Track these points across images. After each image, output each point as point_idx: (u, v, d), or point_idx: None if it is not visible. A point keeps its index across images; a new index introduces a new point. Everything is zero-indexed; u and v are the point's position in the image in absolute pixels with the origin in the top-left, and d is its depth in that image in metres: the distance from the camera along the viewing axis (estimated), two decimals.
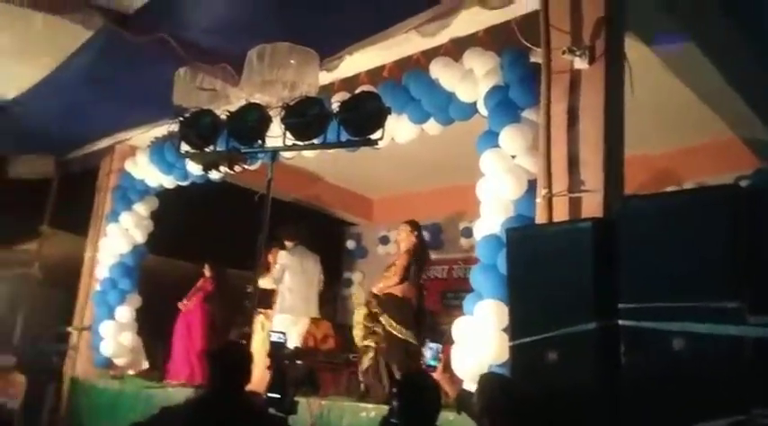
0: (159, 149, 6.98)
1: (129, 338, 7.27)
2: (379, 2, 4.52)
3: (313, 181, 8.43)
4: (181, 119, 4.31)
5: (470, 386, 3.53)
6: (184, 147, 4.35)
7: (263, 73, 4.35)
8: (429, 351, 3.37)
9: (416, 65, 5.04)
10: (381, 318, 5.29)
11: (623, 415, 2.73)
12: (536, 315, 3.18)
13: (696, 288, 2.67)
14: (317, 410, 4.72)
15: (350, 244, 9.88)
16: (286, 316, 6.28)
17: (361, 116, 3.80)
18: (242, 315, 6.33)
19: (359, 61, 5.15)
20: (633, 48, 4.08)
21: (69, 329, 7.50)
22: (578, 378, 2.91)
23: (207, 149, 4.24)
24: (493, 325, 3.91)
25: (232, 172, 4.43)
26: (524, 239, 3.49)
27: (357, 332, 5.50)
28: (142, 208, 7.56)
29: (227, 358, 3.20)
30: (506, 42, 4.40)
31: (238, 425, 2.93)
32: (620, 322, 2.84)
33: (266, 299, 6.32)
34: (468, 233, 7.86)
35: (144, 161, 7.23)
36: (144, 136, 7.25)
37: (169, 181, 7.24)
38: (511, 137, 4.23)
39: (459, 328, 4.17)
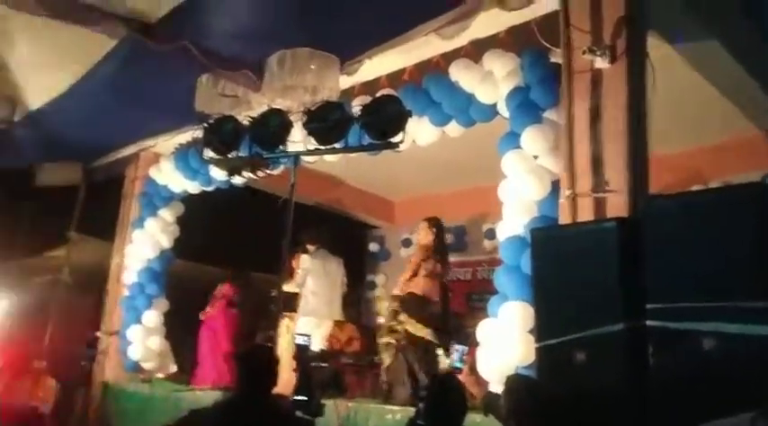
0: (183, 155, 7.06)
1: (156, 342, 7.35)
2: (399, 5, 4.52)
3: (335, 185, 8.45)
4: (204, 125, 4.36)
5: (496, 387, 3.52)
6: (208, 153, 4.41)
7: (283, 78, 4.39)
8: (455, 353, 3.38)
9: (436, 67, 5.04)
10: (401, 316, 5.34)
11: (651, 416, 2.71)
12: (562, 316, 3.16)
13: (724, 287, 2.65)
14: (344, 412, 4.74)
15: (373, 247, 9.89)
16: (309, 319, 6.33)
17: (382, 119, 3.81)
18: (267, 319, 6.38)
19: (379, 65, 5.16)
20: (655, 47, 4.04)
21: (98, 334, 7.62)
22: (606, 379, 2.90)
23: (230, 155, 4.28)
24: (518, 327, 3.90)
25: (255, 177, 4.49)
26: (548, 240, 3.48)
27: (381, 332, 5.56)
28: (167, 214, 7.64)
29: (254, 361, 3.23)
30: (526, 43, 4.39)
31: None
32: (648, 322, 2.82)
33: (291, 303, 6.38)
34: (491, 234, 7.83)
35: (168, 167, 7.31)
36: (168, 143, 7.35)
37: (193, 187, 7.31)
38: (533, 138, 4.22)
39: (485, 330, 4.16)
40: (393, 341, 5.38)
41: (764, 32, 4.90)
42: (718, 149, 6.24)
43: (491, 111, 4.71)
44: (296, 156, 4.16)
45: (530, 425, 2.71)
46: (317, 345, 5.67)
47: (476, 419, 3.31)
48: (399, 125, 3.76)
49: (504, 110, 4.54)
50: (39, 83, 6.13)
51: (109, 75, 5.67)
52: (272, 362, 3.23)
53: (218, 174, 6.53)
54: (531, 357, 3.59)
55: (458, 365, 3.33)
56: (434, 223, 5.68)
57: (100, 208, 8.20)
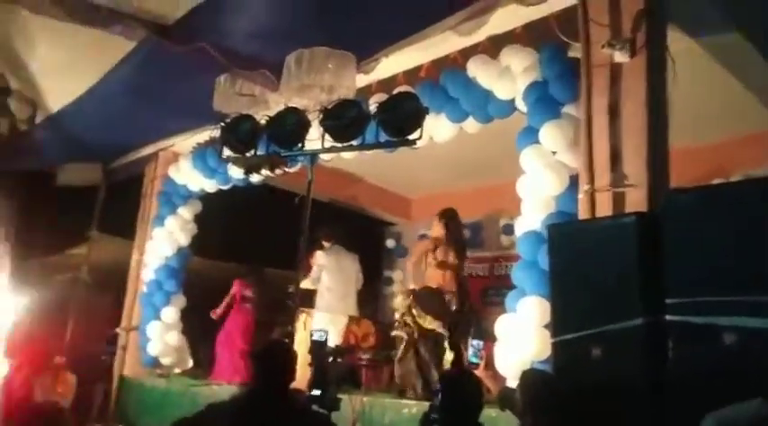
0: (201, 155, 7.11)
1: (174, 338, 7.44)
2: (416, 3, 4.52)
3: (352, 183, 8.48)
4: (222, 124, 4.39)
5: (513, 382, 3.51)
6: (226, 152, 4.43)
7: (301, 77, 4.40)
8: (471, 349, 3.37)
9: (453, 64, 5.02)
10: (414, 310, 5.36)
11: (669, 412, 2.68)
12: (579, 311, 3.14)
13: (744, 281, 2.62)
14: (359, 406, 4.75)
15: (389, 244, 9.91)
16: (324, 315, 6.36)
17: (399, 117, 3.80)
18: (283, 315, 6.42)
19: (396, 62, 5.16)
20: (676, 40, 4.00)
21: (118, 330, 7.71)
22: (623, 374, 2.87)
23: (248, 153, 4.30)
24: (535, 322, 3.88)
25: (273, 175, 4.50)
26: (566, 235, 3.45)
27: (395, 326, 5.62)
28: (186, 212, 7.72)
29: (272, 356, 3.24)
30: (544, 38, 4.35)
31: (282, 422, 2.96)
32: (668, 317, 2.79)
33: (308, 299, 6.41)
34: (508, 230, 7.82)
35: (187, 166, 7.38)
36: (186, 142, 7.41)
37: (211, 186, 7.37)
38: (551, 133, 4.19)
39: (502, 325, 4.15)
40: (404, 335, 5.42)
41: None
42: (739, 142, 6.15)
43: (509, 107, 4.68)
44: (313, 154, 4.17)
45: (546, 420, 2.69)
46: (334, 341, 5.68)
47: (491, 414, 3.29)
48: (416, 122, 3.75)
49: (522, 105, 4.51)
50: (59, 85, 6.20)
51: (128, 77, 5.73)
52: (289, 358, 3.23)
53: (236, 173, 6.58)
54: (547, 352, 3.58)
55: (474, 360, 3.32)
56: (444, 214, 5.71)
57: (119, 208, 8.32)
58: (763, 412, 1.94)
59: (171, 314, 7.44)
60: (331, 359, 3.54)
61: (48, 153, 7.69)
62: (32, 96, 6.49)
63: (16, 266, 7.35)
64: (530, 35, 4.55)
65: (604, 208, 3.65)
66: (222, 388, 6.21)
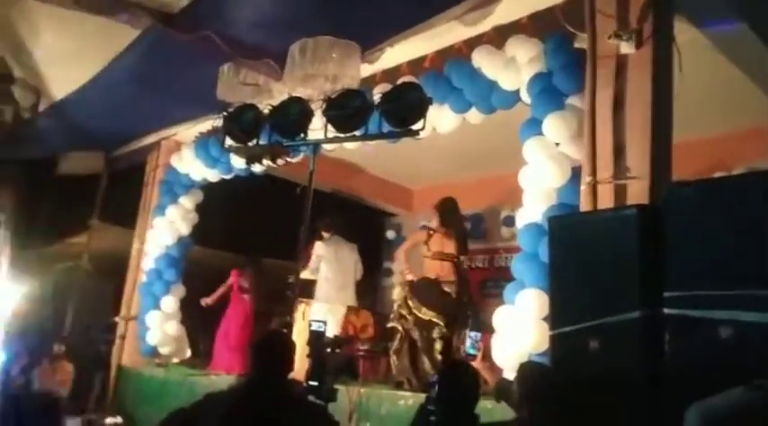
0: (204, 144, 7.10)
1: (173, 327, 7.43)
2: None
3: (354, 173, 8.46)
4: (225, 114, 4.37)
5: (510, 374, 3.50)
6: (228, 142, 4.42)
7: (305, 67, 4.38)
8: (468, 340, 3.36)
9: (458, 54, 4.97)
10: (410, 301, 5.38)
11: (666, 404, 2.67)
12: (578, 303, 3.12)
13: (742, 275, 2.60)
14: (357, 397, 4.76)
15: (390, 235, 9.88)
16: (323, 305, 6.37)
17: (403, 107, 3.78)
18: (283, 305, 6.42)
19: (400, 52, 5.13)
20: (683, 31, 3.96)
21: (117, 319, 7.72)
22: (620, 367, 2.86)
23: (250, 143, 4.29)
24: (534, 314, 3.86)
25: (275, 165, 4.49)
26: (567, 227, 3.43)
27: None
28: (187, 202, 7.71)
29: (270, 347, 3.22)
30: (550, 28, 4.31)
31: (279, 412, 2.95)
32: (666, 310, 2.78)
33: (308, 289, 6.41)
34: (509, 222, 7.79)
35: (189, 155, 7.36)
36: (189, 131, 7.40)
37: (213, 175, 7.35)
38: (554, 125, 4.16)
39: (500, 317, 4.14)
40: (399, 326, 5.43)
41: None
42: (743, 136, 6.09)
43: (513, 98, 4.65)
44: (315, 144, 4.15)
45: (542, 412, 2.67)
46: (332, 331, 5.69)
47: (488, 405, 3.28)
48: (420, 112, 3.73)
49: (526, 96, 4.48)
50: (63, 73, 6.20)
51: (132, 65, 5.72)
52: (287, 348, 3.22)
53: (238, 162, 6.57)
54: (545, 344, 3.56)
55: (471, 351, 3.31)
56: (439, 205, 5.73)
57: (121, 196, 8.33)
58: (744, 400, 1.97)
59: (170, 303, 7.44)
60: (329, 349, 3.53)
61: (50, 141, 7.70)
62: (36, 84, 6.49)
63: (16, 254, 7.36)
64: (535, 25, 4.51)
65: (606, 201, 3.62)
66: (220, 378, 6.22)
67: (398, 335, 5.43)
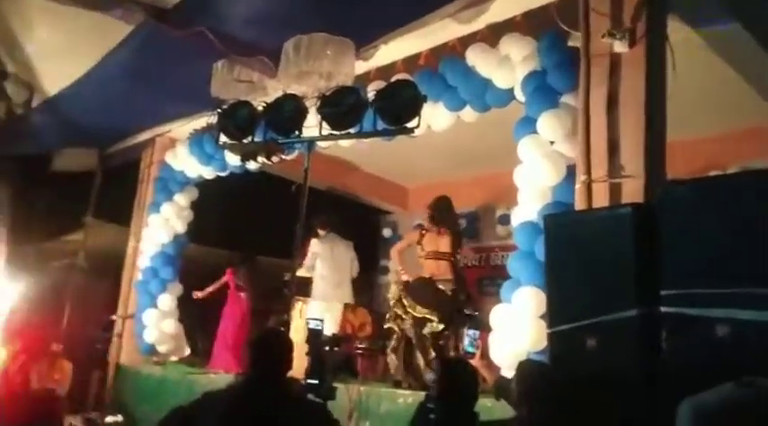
0: (198, 141, 7.09)
1: (170, 325, 7.45)
2: None
3: (350, 171, 8.47)
4: (219, 110, 4.36)
5: (508, 372, 3.52)
6: (223, 139, 4.40)
7: (299, 64, 4.37)
8: (467, 338, 3.38)
9: (453, 52, 4.99)
10: (404, 300, 5.41)
11: (662, 402, 2.70)
12: (575, 301, 3.14)
13: (738, 273, 2.62)
14: (356, 396, 4.78)
15: (386, 233, 9.90)
16: (320, 304, 6.38)
17: (397, 104, 3.77)
18: (280, 303, 6.43)
19: (395, 49, 5.14)
20: (676, 30, 3.98)
21: (114, 317, 7.72)
22: (618, 365, 2.89)
23: (245, 140, 4.27)
24: (530, 312, 3.89)
25: (270, 162, 4.47)
26: (563, 225, 3.45)
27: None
28: (182, 199, 7.70)
29: (268, 345, 3.23)
30: (544, 27, 4.33)
31: (278, 410, 2.95)
32: (663, 308, 2.80)
33: (304, 287, 6.42)
34: (504, 220, 7.82)
35: (183, 152, 7.35)
36: (183, 128, 7.39)
37: (208, 172, 7.35)
38: (549, 123, 4.18)
39: (497, 315, 4.17)
40: (395, 326, 5.47)
41: None
42: (738, 135, 6.13)
43: (507, 96, 4.67)
44: (310, 142, 4.14)
45: (541, 410, 2.70)
46: (330, 329, 5.70)
47: (487, 403, 3.31)
48: (414, 110, 3.73)
49: (520, 94, 4.50)
50: (56, 69, 6.17)
51: (125, 61, 5.70)
52: (285, 346, 3.23)
53: (233, 160, 6.57)
54: (543, 342, 3.59)
55: (469, 349, 3.33)
56: (431, 205, 5.76)
57: (115, 194, 8.29)
58: (734, 396, 2.02)
59: (167, 301, 7.45)
60: (328, 347, 3.54)
61: (44, 137, 7.66)
62: (29, 79, 6.45)
63: (12, 252, 7.34)
64: (529, 23, 4.53)
65: (601, 199, 3.65)
66: (219, 376, 6.23)
67: (395, 335, 5.46)
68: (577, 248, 3.23)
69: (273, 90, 4.94)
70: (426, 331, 5.25)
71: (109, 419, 6.60)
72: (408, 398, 4.61)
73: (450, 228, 5.74)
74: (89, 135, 7.72)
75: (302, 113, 4.05)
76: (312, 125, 4.03)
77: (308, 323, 3.69)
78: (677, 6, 4.00)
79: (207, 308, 7.48)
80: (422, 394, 3.30)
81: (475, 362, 3.27)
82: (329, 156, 7.16)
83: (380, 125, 3.83)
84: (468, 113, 5.03)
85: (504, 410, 3.09)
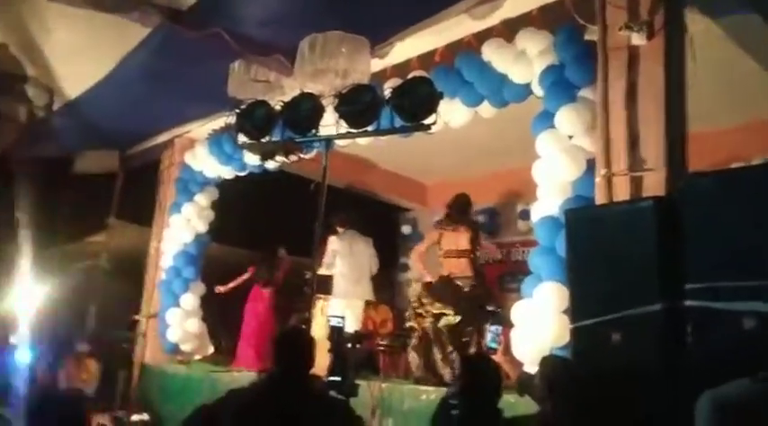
0: (217, 141, 7.14)
1: (194, 324, 7.50)
2: None
3: (368, 168, 8.47)
4: (237, 111, 4.39)
5: (531, 368, 3.51)
6: (241, 138, 4.44)
7: (315, 62, 4.39)
8: (489, 334, 3.39)
9: (468, 48, 4.97)
10: (423, 299, 5.43)
11: (687, 397, 2.68)
12: (598, 296, 3.14)
13: (764, 266, 2.60)
14: (378, 393, 4.79)
15: (405, 230, 9.90)
16: (341, 301, 6.40)
17: (414, 101, 3.78)
18: (301, 301, 6.47)
19: (410, 47, 5.12)
20: (695, 22, 3.94)
21: (138, 317, 7.81)
22: (642, 360, 2.88)
23: (263, 140, 4.30)
24: (553, 308, 3.87)
25: (288, 161, 4.51)
26: (584, 220, 3.44)
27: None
28: (203, 199, 7.75)
29: (291, 342, 3.26)
30: (560, 20, 4.29)
31: (301, 408, 2.98)
32: (687, 302, 2.78)
33: (325, 285, 6.45)
34: (525, 215, 7.78)
35: (203, 153, 7.40)
36: (202, 128, 7.44)
37: (227, 172, 7.40)
38: (567, 118, 4.15)
39: (519, 311, 4.15)
40: (416, 325, 5.48)
41: None
42: (761, 126, 6.03)
43: (524, 91, 4.64)
44: (328, 140, 4.16)
45: (565, 406, 2.69)
46: (352, 326, 5.73)
47: (510, 399, 3.31)
48: (431, 107, 3.73)
49: (537, 89, 4.47)
50: (76, 71, 6.22)
51: (143, 63, 5.74)
52: (308, 344, 3.25)
53: (252, 159, 6.61)
54: (565, 337, 3.58)
55: (492, 345, 3.34)
56: (450, 202, 5.77)
57: (137, 195, 8.37)
58: (751, 390, 2.04)
59: (190, 300, 7.51)
60: (350, 345, 3.56)
61: (65, 139, 7.75)
62: (49, 82, 6.53)
63: (37, 254, 7.44)
64: (545, 18, 4.49)
65: (622, 193, 3.62)
66: (243, 375, 6.27)
67: (416, 333, 5.48)
68: (599, 242, 3.22)
69: (290, 89, 4.97)
70: (442, 324, 5.27)
71: (135, 417, 6.68)
72: (431, 395, 4.60)
73: (469, 225, 5.73)
74: (110, 137, 7.80)
75: (319, 112, 4.06)
76: (329, 123, 4.04)
77: (329, 321, 3.72)
78: None
79: (229, 306, 7.54)
80: (444, 391, 3.31)
81: (497, 358, 3.28)
82: (347, 154, 7.15)
83: (398, 122, 3.84)
84: (486, 109, 5.01)
85: (527, 406, 3.09)
